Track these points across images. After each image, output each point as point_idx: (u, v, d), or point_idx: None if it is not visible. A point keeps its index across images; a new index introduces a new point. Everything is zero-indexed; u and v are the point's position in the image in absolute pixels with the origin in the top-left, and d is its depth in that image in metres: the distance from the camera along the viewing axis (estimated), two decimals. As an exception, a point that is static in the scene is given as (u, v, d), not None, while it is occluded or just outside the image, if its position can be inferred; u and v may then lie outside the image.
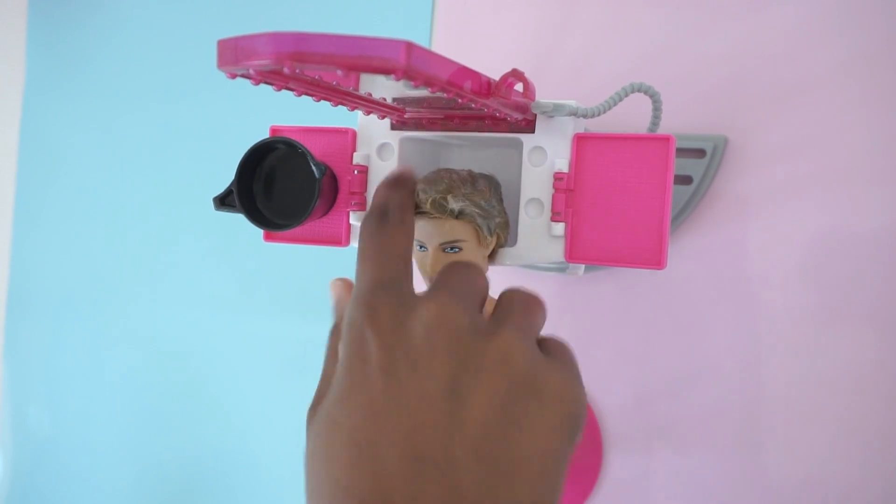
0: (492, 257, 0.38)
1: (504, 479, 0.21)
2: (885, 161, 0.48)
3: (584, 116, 0.37)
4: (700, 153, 0.52)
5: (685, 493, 0.54)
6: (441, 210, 0.35)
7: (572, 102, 0.36)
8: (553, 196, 0.37)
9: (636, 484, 0.56)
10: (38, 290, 0.90)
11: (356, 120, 0.41)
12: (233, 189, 0.38)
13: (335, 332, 0.30)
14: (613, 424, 0.57)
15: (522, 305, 0.26)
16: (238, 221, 0.41)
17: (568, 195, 0.37)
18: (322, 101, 0.33)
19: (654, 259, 0.35)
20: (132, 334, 0.83)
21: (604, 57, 0.57)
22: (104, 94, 0.85)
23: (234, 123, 0.74)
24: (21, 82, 0.91)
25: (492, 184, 0.38)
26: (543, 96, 0.37)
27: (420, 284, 0.30)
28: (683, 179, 0.52)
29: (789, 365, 0.51)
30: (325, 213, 0.41)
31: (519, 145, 0.38)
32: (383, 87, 0.36)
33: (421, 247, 0.36)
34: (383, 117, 0.39)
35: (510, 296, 0.27)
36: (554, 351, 0.26)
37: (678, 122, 0.53)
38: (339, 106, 0.35)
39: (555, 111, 0.36)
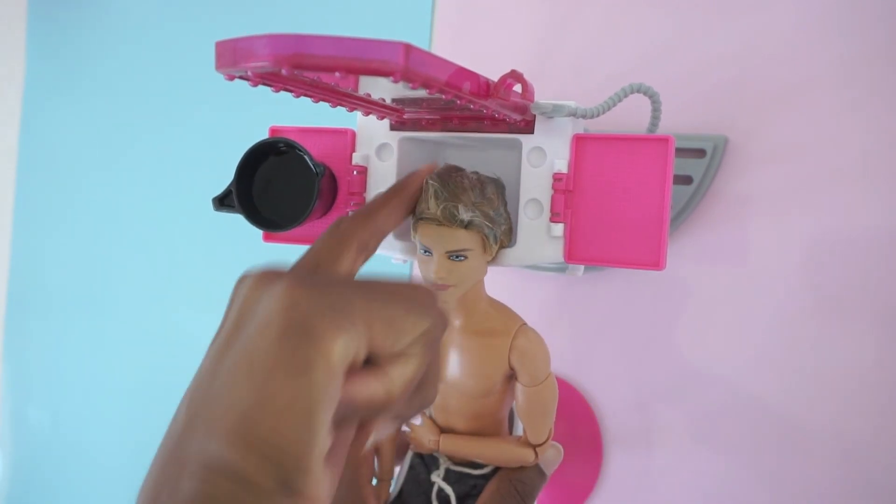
0: (492, 258, 0.38)
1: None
2: (885, 161, 0.48)
3: (584, 117, 0.37)
4: (700, 153, 0.52)
5: (685, 493, 0.54)
6: (451, 220, 0.35)
7: (571, 103, 0.36)
8: (552, 197, 0.37)
9: (636, 484, 0.56)
10: (38, 290, 0.90)
11: (355, 120, 0.41)
12: (232, 189, 0.38)
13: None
14: (613, 424, 0.57)
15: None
16: (238, 221, 0.41)
17: (567, 196, 0.37)
18: (321, 102, 0.33)
19: (653, 260, 0.35)
20: (132, 334, 0.83)
21: (604, 57, 0.57)
22: (104, 94, 0.85)
23: (233, 124, 0.74)
24: (21, 82, 0.91)
25: (498, 189, 0.38)
26: (543, 97, 0.37)
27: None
28: (683, 179, 0.52)
29: (789, 364, 0.51)
30: (325, 213, 0.41)
31: (518, 146, 0.38)
32: (382, 88, 0.36)
33: (426, 252, 0.36)
34: (382, 118, 0.39)
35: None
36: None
37: (678, 122, 0.53)
38: (338, 107, 0.35)
39: (554, 112, 0.36)
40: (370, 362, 0.24)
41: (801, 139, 0.51)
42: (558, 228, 0.37)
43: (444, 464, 0.41)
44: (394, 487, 0.42)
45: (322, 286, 0.24)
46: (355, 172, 0.40)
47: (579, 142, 0.37)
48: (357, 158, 0.41)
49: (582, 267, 0.41)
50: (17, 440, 0.91)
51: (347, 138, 0.41)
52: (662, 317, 0.55)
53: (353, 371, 0.23)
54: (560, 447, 0.41)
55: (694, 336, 0.54)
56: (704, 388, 0.53)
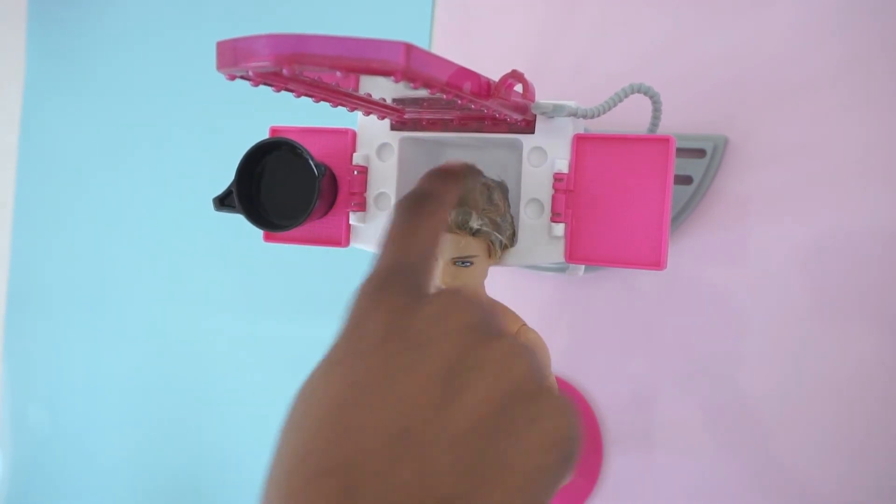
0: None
1: (481, 482, 0.19)
2: (885, 161, 0.48)
3: (584, 117, 0.37)
4: (700, 153, 0.52)
5: (685, 493, 0.54)
6: (462, 227, 0.35)
7: (572, 103, 0.36)
8: (553, 197, 0.37)
9: (636, 484, 0.56)
10: (38, 289, 0.90)
11: (356, 120, 0.41)
12: (233, 189, 0.38)
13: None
14: (613, 424, 0.57)
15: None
16: (238, 222, 0.41)
17: (568, 196, 0.37)
18: (322, 102, 0.33)
19: (654, 260, 0.35)
20: (132, 334, 0.83)
21: (604, 57, 0.57)
22: (104, 93, 0.85)
23: (233, 124, 0.74)
24: (21, 82, 0.91)
25: (503, 193, 0.38)
26: (543, 97, 0.37)
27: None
28: (683, 179, 0.52)
29: (789, 364, 0.51)
30: (325, 213, 0.41)
31: (519, 146, 0.38)
32: (383, 88, 0.36)
33: None
34: (383, 118, 0.39)
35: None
36: (558, 386, 0.27)
37: (678, 122, 0.53)
38: (339, 107, 0.35)
39: (554, 112, 0.36)
40: None
41: (801, 139, 0.51)
42: (559, 228, 0.37)
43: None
44: None
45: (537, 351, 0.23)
46: (356, 172, 0.40)
47: (580, 142, 0.37)
48: (357, 158, 0.41)
49: (582, 267, 0.41)
50: (17, 440, 0.91)
51: (348, 138, 0.41)
52: (662, 317, 0.55)
53: None
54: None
55: (694, 336, 0.54)
56: (704, 388, 0.53)
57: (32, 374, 0.90)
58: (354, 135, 0.41)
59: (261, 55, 0.24)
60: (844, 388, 0.49)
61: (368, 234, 0.41)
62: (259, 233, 0.41)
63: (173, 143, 0.80)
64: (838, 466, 0.49)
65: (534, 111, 0.36)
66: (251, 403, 0.75)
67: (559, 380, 0.40)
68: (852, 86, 0.49)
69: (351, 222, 0.41)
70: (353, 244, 0.42)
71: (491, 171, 0.40)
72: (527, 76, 0.34)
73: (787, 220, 0.51)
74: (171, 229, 0.80)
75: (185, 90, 0.79)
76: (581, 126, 0.38)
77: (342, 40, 0.24)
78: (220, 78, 0.28)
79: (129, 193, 0.83)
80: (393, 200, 0.40)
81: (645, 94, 0.40)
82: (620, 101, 0.39)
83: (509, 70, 0.32)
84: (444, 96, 0.29)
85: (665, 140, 0.35)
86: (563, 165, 0.37)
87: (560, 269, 0.56)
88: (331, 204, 0.41)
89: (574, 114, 0.36)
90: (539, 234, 0.37)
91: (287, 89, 0.29)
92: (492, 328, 0.23)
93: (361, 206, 0.41)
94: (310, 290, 0.72)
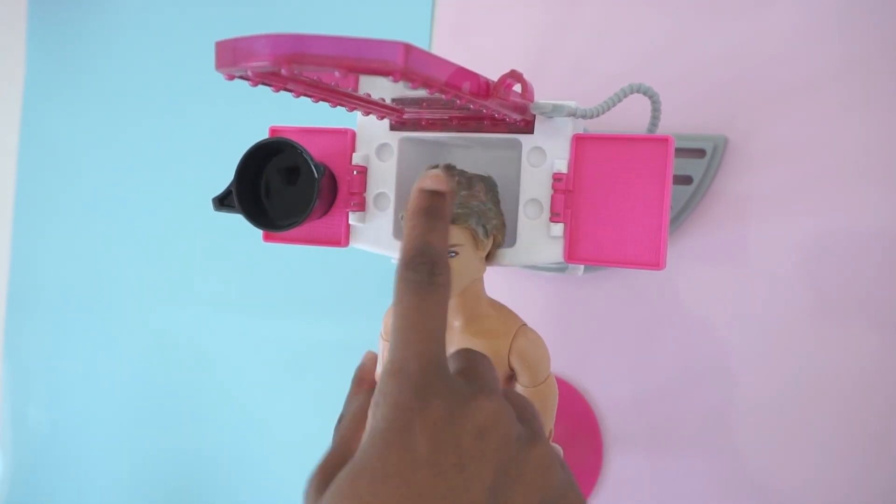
0: (490, 258, 0.38)
1: None
2: (885, 161, 0.48)
3: (584, 117, 0.37)
4: (700, 153, 0.52)
5: (685, 493, 0.54)
6: None
7: (571, 103, 0.36)
8: (552, 197, 0.37)
9: (636, 484, 0.56)
10: (38, 290, 0.90)
11: (355, 120, 0.41)
12: (232, 189, 0.38)
13: (354, 400, 0.31)
14: (613, 424, 0.57)
15: (538, 416, 0.28)
16: (238, 222, 0.41)
17: (567, 196, 0.37)
18: (321, 102, 0.33)
19: (653, 260, 0.35)
20: (132, 334, 0.83)
21: (604, 57, 0.57)
22: (104, 94, 0.85)
23: (233, 124, 0.74)
24: (21, 82, 0.91)
25: (488, 185, 0.38)
26: (542, 97, 0.37)
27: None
28: (683, 179, 0.52)
29: (789, 364, 0.51)
30: (325, 213, 0.41)
31: (518, 146, 0.38)
32: (382, 88, 0.36)
33: None
34: (382, 118, 0.39)
35: (520, 399, 0.28)
36: (563, 463, 0.29)
37: (678, 122, 0.53)
38: (338, 107, 0.35)
39: (554, 112, 0.36)
40: None
41: (801, 139, 0.51)
42: (558, 228, 0.37)
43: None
44: None
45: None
46: (355, 172, 0.40)
47: (579, 142, 0.37)
48: (357, 158, 0.41)
49: (582, 267, 0.41)
50: (17, 440, 0.91)
51: (347, 138, 0.41)
52: (662, 317, 0.55)
53: None
54: (559, 449, 0.41)
55: (694, 336, 0.54)
56: (704, 389, 0.53)
57: (32, 374, 0.90)
58: (354, 135, 0.41)
59: (260, 55, 0.24)
60: (845, 388, 0.49)
61: (368, 234, 0.41)
62: (259, 233, 0.41)
63: (173, 144, 0.80)
64: (839, 466, 0.49)
65: (533, 111, 0.36)
66: (251, 403, 0.75)
67: (559, 380, 0.40)
68: (852, 86, 0.49)
69: (350, 222, 0.41)
70: (353, 244, 0.42)
71: (488, 171, 0.40)
72: (526, 76, 0.34)
73: (786, 220, 0.51)
74: (171, 229, 0.80)
75: (185, 90, 0.79)
76: (580, 126, 0.38)
77: (341, 40, 0.24)
78: (220, 78, 0.28)
79: (128, 193, 0.83)
80: (392, 200, 0.40)
81: (644, 94, 0.40)
82: (620, 101, 0.39)
83: (508, 70, 0.32)
84: (444, 96, 0.29)
85: (664, 140, 0.35)
86: (562, 165, 0.37)
87: (560, 269, 0.56)
88: (330, 204, 0.41)
89: (573, 114, 0.36)
90: (538, 234, 0.37)
91: (286, 89, 0.29)
92: (527, 434, 0.25)
93: (361, 206, 0.41)
94: (310, 290, 0.72)
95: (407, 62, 0.24)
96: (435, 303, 0.25)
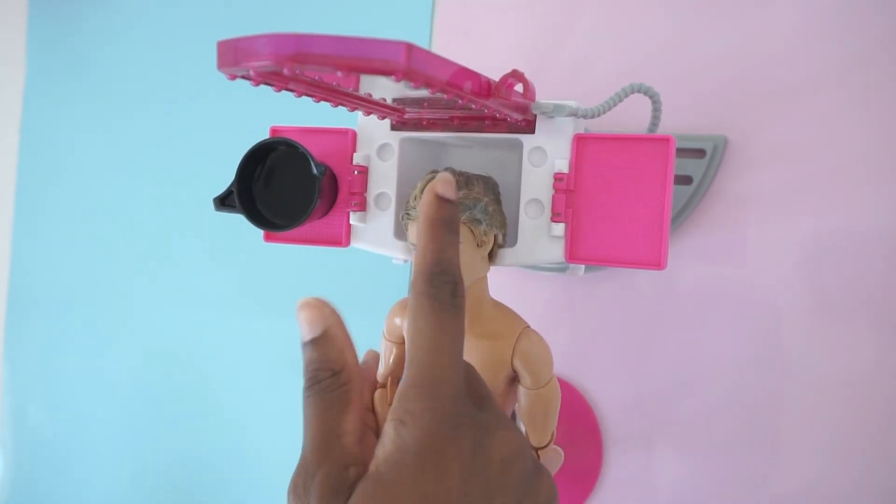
0: (492, 258, 0.38)
1: None
2: (885, 161, 0.48)
3: (585, 117, 0.37)
4: (700, 153, 0.52)
5: (685, 493, 0.54)
6: None
7: (572, 103, 0.36)
8: (553, 196, 0.37)
9: (636, 484, 0.56)
10: (38, 290, 0.90)
11: (356, 120, 0.41)
12: (233, 189, 0.38)
13: (332, 385, 0.27)
14: (613, 424, 0.57)
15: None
16: (238, 222, 0.41)
17: (568, 196, 0.37)
18: (322, 102, 0.33)
19: (654, 260, 0.35)
20: (132, 334, 0.83)
21: (604, 57, 0.57)
22: (104, 93, 0.85)
23: (234, 124, 0.74)
24: (21, 82, 0.91)
25: (488, 184, 0.38)
26: (543, 97, 0.37)
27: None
28: (683, 179, 0.52)
29: (789, 365, 0.51)
30: (325, 213, 0.41)
31: (519, 146, 0.38)
32: (383, 88, 0.37)
33: (415, 248, 0.36)
34: (383, 118, 0.39)
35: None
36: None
37: (678, 122, 0.53)
38: (340, 106, 0.35)
39: (555, 112, 0.36)
40: None
41: (801, 139, 0.51)
42: (559, 228, 0.37)
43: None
44: None
45: None
46: (356, 172, 0.40)
47: (580, 142, 0.37)
48: (358, 158, 0.41)
49: (582, 267, 0.41)
50: (17, 440, 0.91)
51: (348, 138, 0.41)
52: (662, 317, 0.55)
53: None
54: (560, 451, 0.41)
55: (694, 336, 0.54)
56: (704, 389, 0.53)
57: (32, 375, 0.90)
58: (355, 135, 0.41)
59: (262, 55, 0.24)
60: (845, 388, 0.49)
61: (368, 234, 0.41)
62: (259, 233, 0.41)
63: (173, 144, 0.80)
64: (839, 466, 0.49)
65: (534, 111, 0.36)
66: (251, 403, 0.75)
67: (559, 380, 0.40)
68: (852, 86, 0.49)
69: (351, 222, 0.41)
70: (354, 244, 0.42)
71: (490, 171, 0.40)
72: (527, 76, 0.34)
73: (786, 219, 0.51)
74: (171, 229, 0.80)
75: (186, 90, 0.79)
76: (581, 126, 0.38)
77: (343, 40, 0.24)
78: (221, 78, 0.28)
79: (128, 193, 0.83)
80: (393, 200, 0.40)
81: (645, 94, 0.40)
82: (620, 100, 0.39)
83: (510, 70, 0.32)
84: (445, 96, 0.29)
85: (665, 140, 0.35)
86: (563, 165, 0.37)
87: (560, 269, 0.56)
88: (331, 204, 0.41)
89: (574, 114, 0.36)
90: (539, 233, 0.37)
91: (287, 89, 0.29)
92: (537, 466, 0.27)
93: (362, 206, 0.41)
94: (310, 291, 0.71)
95: (409, 62, 0.24)
96: (458, 325, 0.25)
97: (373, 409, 0.30)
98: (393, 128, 0.40)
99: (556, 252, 0.37)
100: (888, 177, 0.48)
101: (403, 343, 0.39)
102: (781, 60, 0.51)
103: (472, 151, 0.44)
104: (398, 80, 0.24)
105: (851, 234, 0.49)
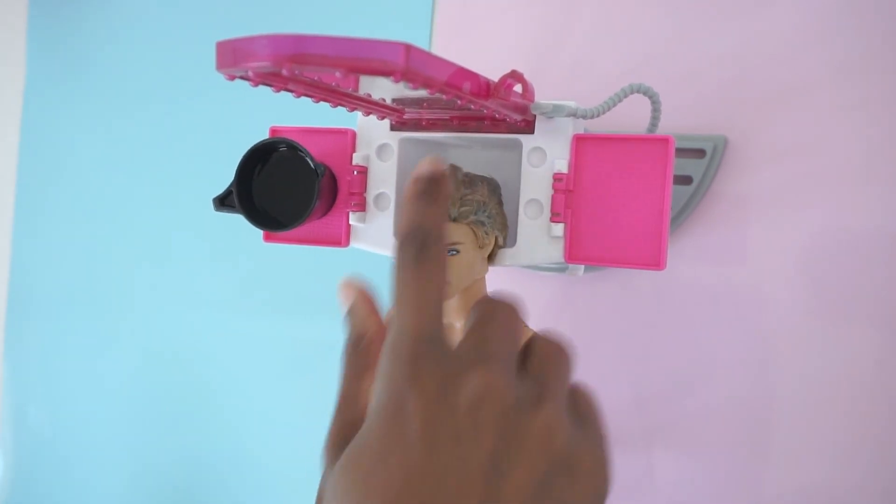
0: (491, 258, 0.38)
1: None
2: (886, 161, 0.48)
3: (584, 117, 0.37)
4: (700, 153, 0.52)
5: (685, 493, 0.54)
6: None
7: (572, 103, 0.36)
8: (552, 197, 0.37)
9: (636, 484, 0.56)
10: (38, 290, 0.90)
11: (356, 121, 0.41)
12: (233, 190, 0.39)
13: (354, 350, 0.28)
14: (613, 424, 0.56)
15: (557, 365, 0.26)
16: (238, 222, 0.41)
17: (567, 196, 0.37)
18: (321, 102, 0.33)
19: (654, 260, 0.35)
20: (132, 334, 0.83)
21: (604, 57, 0.57)
22: (104, 94, 0.85)
23: (233, 124, 0.74)
24: (21, 82, 0.91)
25: (490, 185, 0.38)
26: (543, 97, 0.37)
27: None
28: (683, 179, 0.52)
29: (790, 365, 0.51)
30: (325, 213, 0.41)
31: (518, 146, 0.38)
32: (383, 88, 0.36)
33: None
34: (383, 118, 0.39)
35: (544, 349, 0.26)
36: (585, 415, 0.27)
37: (678, 122, 0.53)
38: (339, 107, 0.35)
39: (554, 112, 0.36)
40: None
41: (801, 139, 0.51)
42: (558, 228, 0.37)
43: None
44: None
45: None
46: (355, 172, 0.40)
47: (579, 142, 0.37)
48: (357, 158, 0.41)
49: (582, 267, 0.41)
50: (17, 440, 0.91)
51: (348, 138, 0.41)
52: (662, 317, 0.55)
53: None
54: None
55: (694, 336, 0.54)
56: (704, 389, 0.53)
57: (32, 375, 0.90)
58: (354, 135, 0.41)
59: (260, 55, 0.24)
60: (846, 388, 0.49)
61: (368, 234, 0.41)
62: (259, 233, 0.41)
63: (173, 144, 0.80)
64: (839, 467, 0.49)
65: (533, 111, 0.36)
66: (251, 403, 0.75)
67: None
68: (852, 86, 0.49)
69: (351, 222, 0.41)
70: (353, 244, 0.42)
71: (489, 172, 0.40)
72: (526, 76, 0.34)
73: (787, 220, 0.51)
74: (171, 229, 0.80)
75: (185, 90, 0.79)
76: (581, 126, 0.38)
77: (342, 40, 0.24)
78: (220, 78, 0.28)
79: (128, 193, 0.83)
80: (393, 200, 0.40)
81: (644, 94, 0.40)
82: (620, 101, 0.39)
83: (509, 70, 0.32)
84: (444, 96, 0.29)
85: (664, 140, 0.35)
86: (562, 165, 0.37)
87: (560, 269, 0.56)
88: (331, 204, 0.41)
89: (574, 114, 0.36)
90: (539, 234, 0.37)
91: (287, 89, 0.29)
92: (523, 400, 0.23)
93: (361, 207, 0.41)
94: (310, 290, 0.72)
95: (408, 62, 0.24)
96: (426, 273, 0.24)
97: None
98: (392, 128, 0.40)
99: (556, 252, 0.37)
100: (888, 177, 0.48)
101: None
102: (781, 60, 0.51)
103: (471, 152, 0.44)
104: (397, 81, 0.24)
105: (852, 233, 0.49)
